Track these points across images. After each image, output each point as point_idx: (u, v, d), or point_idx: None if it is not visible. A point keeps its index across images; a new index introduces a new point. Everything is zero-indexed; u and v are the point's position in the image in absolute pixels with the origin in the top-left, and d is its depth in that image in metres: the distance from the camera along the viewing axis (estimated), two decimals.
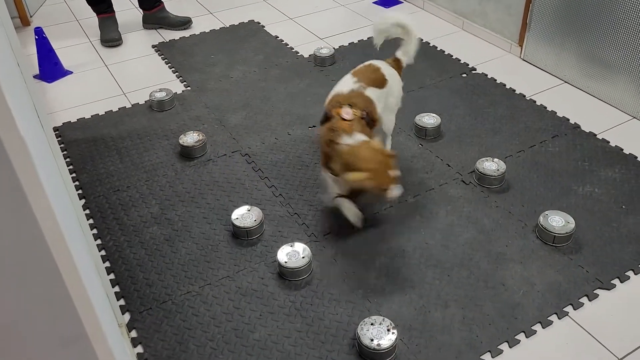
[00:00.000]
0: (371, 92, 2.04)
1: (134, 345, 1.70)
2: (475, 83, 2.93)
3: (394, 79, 2.17)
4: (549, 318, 1.74)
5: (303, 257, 1.88)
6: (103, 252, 2.02)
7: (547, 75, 2.98)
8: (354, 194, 2.00)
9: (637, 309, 1.77)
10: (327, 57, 3.12)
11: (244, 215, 2.07)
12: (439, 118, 2.55)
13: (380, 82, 2.09)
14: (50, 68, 3.10)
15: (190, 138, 2.48)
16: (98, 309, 0.94)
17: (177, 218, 2.15)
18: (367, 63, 2.18)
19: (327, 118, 1.96)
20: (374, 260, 1.94)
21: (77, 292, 0.85)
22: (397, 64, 2.24)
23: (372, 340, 1.62)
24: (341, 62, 3.14)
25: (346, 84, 2.07)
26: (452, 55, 3.17)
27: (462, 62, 3.12)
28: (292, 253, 1.90)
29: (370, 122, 1.97)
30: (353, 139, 1.84)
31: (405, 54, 2.25)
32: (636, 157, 2.36)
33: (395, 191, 1.84)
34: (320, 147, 2.00)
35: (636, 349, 1.65)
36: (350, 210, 2.01)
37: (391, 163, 1.84)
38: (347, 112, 1.90)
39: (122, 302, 1.84)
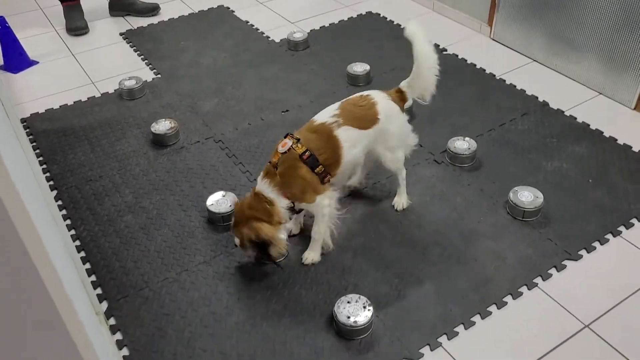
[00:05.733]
0: (344, 133, 1.79)
1: (113, 332, 1.71)
2: (446, 64, 2.92)
3: (391, 119, 1.88)
4: (519, 290, 1.79)
5: None
6: (78, 243, 2.00)
7: (516, 55, 3.02)
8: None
9: (602, 277, 1.83)
10: (301, 42, 3.10)
11: (219, 201, 2.07)
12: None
13: (367, 121, 1.83)
14: (16, 58, 3.03)
15: (162, 126, 2.47)
16: (72, 294, 0.94)
17: (151, 206, 2.14)
18: (365, 94, 1.90)
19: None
20: (350, 240, 1.97)
21: (50, 278, 0.85)
22: (400, 97, 1.95)
23: (348, 317, 1.65)
24: (314, 46, 3.13)
25: (324, 114, 1.84)
26: None
27: (433, 43, 3.13)
28: None
29: (316, 162, 1.75)
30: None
31: (411, 87, 1.96)
32: (602, 132, 2.43)
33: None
34: None
35: (602, 315, 1.71)
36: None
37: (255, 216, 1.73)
38: (284, 144, 1.75)
39: (99, 290, 1.83)
